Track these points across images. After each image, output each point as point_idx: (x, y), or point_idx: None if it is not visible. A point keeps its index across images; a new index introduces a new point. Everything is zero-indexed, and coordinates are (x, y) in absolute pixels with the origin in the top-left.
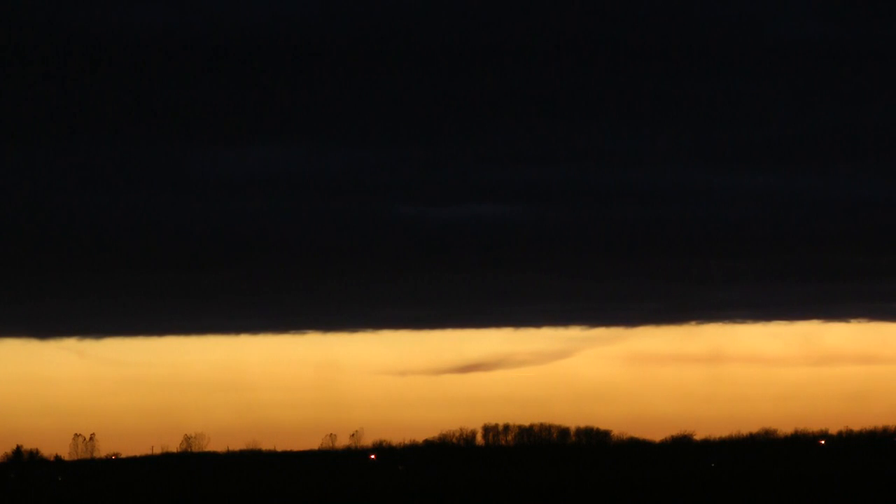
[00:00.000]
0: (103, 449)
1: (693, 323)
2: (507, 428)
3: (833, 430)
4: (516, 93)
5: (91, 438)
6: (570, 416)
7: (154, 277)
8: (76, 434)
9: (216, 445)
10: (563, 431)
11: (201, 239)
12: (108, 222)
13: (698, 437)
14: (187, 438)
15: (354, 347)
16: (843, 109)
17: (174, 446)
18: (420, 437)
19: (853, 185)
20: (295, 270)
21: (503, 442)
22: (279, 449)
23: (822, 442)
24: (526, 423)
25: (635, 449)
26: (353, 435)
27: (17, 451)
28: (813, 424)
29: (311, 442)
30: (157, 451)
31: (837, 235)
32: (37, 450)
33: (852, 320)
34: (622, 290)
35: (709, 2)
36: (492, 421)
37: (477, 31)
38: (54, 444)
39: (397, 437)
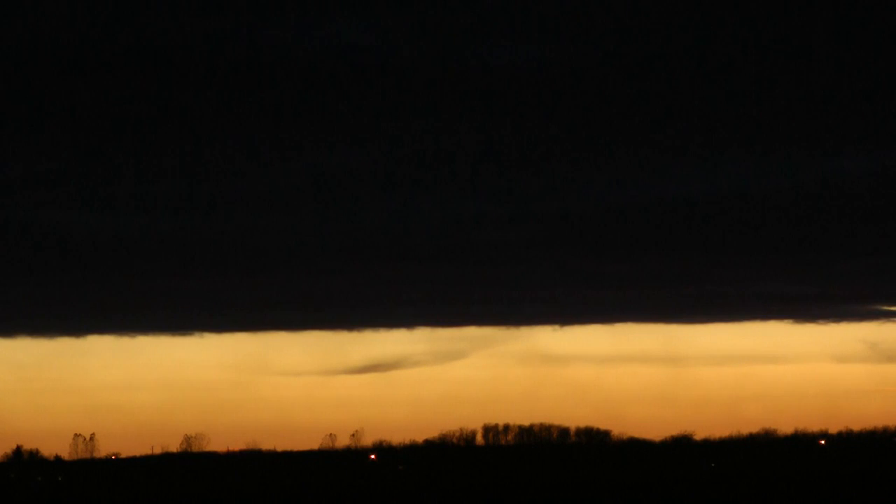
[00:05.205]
0: (103, 449)
1: (598, 324)
2: (507, 428)
3: (833, 430)
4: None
5: (91, 438)
6: (570, 416)
7: None
8: (76, 434)
9: (216, 445)
10: (563, 431)
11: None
12: None
13: (698, 437)
14: (187, 438)
15: (254, 348)
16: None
17: (174, 446)
18: (420, 437)
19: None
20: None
21: (503, 442)
22: (279, 449)
23: (822, 442)
24: (526, 423)
25: (635, 449)
26: (353, 435)
27: (17, 451)
28: (813, 424)
29: (311, 442)
30: (157, 451)
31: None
32: (37, 450)
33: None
34: (524, 291)
35: None
36: (492, 421)
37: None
38: (54, 444)
39: (397, 437)
